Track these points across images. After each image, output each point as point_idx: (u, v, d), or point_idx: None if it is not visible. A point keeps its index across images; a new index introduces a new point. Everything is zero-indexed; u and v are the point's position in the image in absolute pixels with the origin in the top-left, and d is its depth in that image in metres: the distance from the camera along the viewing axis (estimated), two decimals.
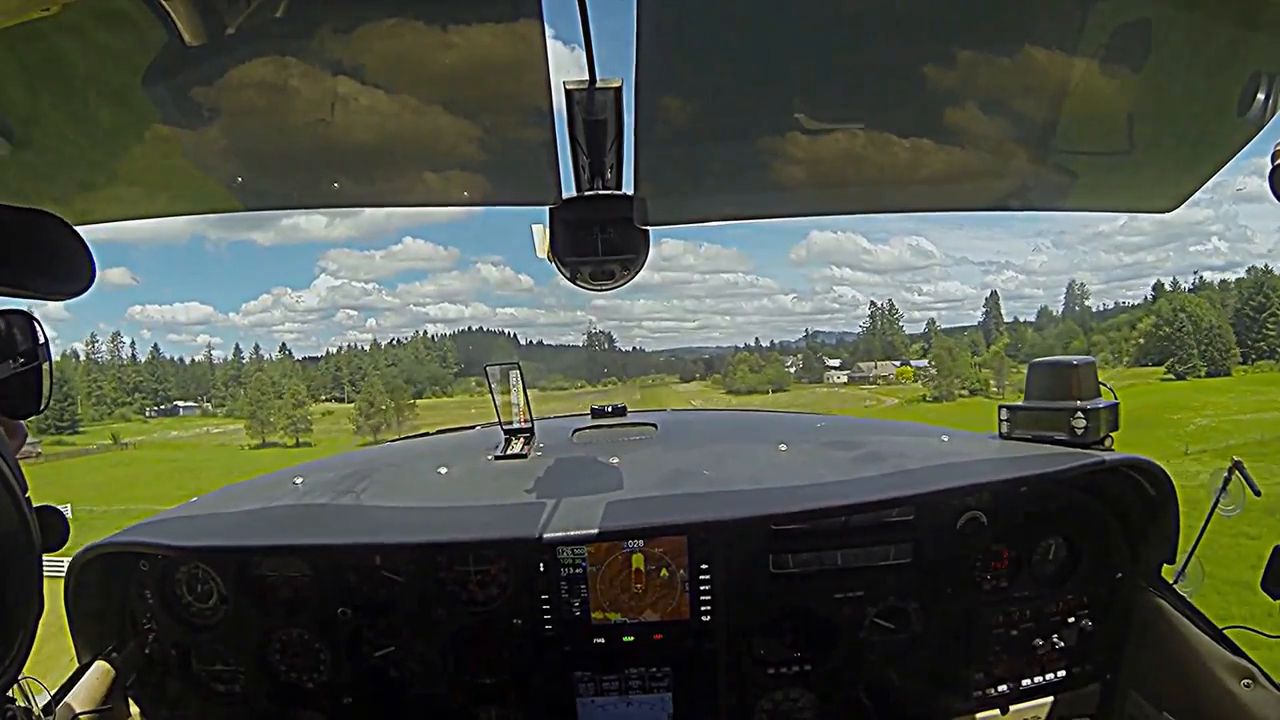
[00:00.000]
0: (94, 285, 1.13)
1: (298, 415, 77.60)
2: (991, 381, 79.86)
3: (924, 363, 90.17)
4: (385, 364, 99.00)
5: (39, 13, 1.03)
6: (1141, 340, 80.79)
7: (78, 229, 1.10)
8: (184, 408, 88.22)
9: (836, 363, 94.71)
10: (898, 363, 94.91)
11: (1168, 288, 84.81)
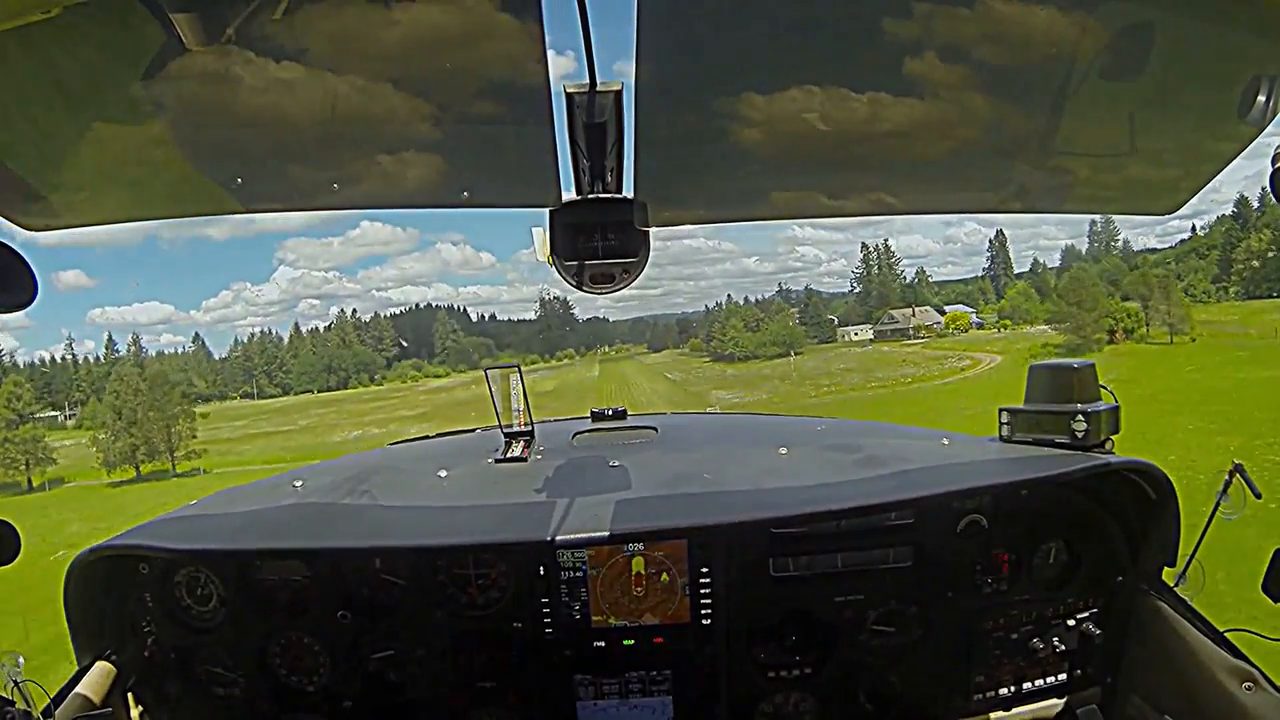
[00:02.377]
0: (39, 296, 1.12)
1: (18, 439, 47.87)
2: (1144, 318, 55.75)
3: (959, 307, 71.92)
4: (306, 350, 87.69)
5: (39, 15, 1.03)
6: (1256, 264, 60.32)
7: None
8: (39, 418, 60.02)
9: (833, 318, 77.76)
10: (934, 309, 73.44)
11: (1254, 203, 62.64)
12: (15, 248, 1.15)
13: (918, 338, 69.63)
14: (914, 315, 72.66)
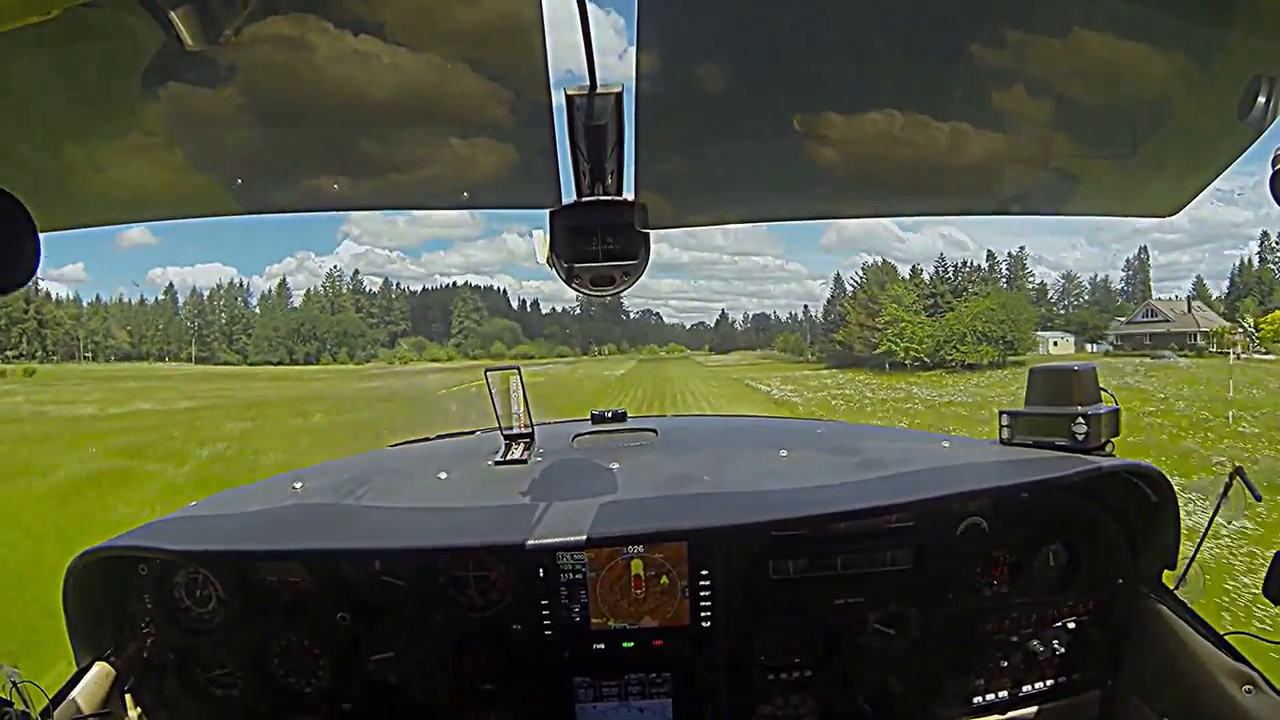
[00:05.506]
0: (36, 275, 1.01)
1: None
2: None
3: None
4: (278, 312, 77.69)
5: (38, 16, 1.03)
6: None
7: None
8: None
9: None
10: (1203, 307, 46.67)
11: None
12: (29, 211, 1.02)
13: (1219, 349, 43.97)
14: (1189, 311, 50.15)
